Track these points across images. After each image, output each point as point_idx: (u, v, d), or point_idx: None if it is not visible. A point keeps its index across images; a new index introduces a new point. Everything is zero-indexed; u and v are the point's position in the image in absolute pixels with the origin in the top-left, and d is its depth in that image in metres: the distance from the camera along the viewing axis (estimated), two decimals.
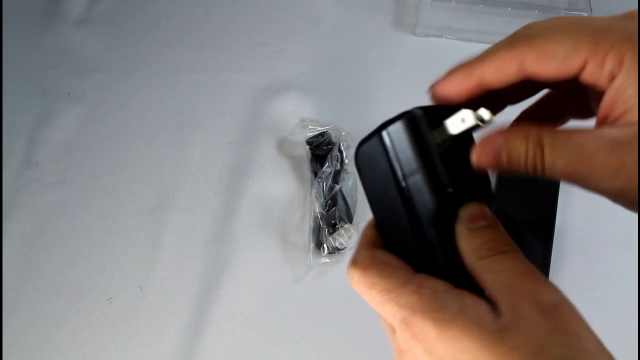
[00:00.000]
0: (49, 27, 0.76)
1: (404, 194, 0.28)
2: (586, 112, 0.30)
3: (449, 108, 0.28)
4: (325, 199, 0.56)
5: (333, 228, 0.56)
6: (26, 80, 0.71)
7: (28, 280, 0.57)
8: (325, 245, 0.56)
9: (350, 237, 0.56)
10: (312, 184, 0.59)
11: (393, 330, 0.27)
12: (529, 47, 0.26)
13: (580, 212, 0.60)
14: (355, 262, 0.29)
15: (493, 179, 0.62)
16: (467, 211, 0.28)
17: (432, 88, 0.29)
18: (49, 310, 0.55)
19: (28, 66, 0.72)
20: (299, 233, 0.59)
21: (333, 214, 0.56)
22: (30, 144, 0.66)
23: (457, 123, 0.27)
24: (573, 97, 0.30)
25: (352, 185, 0.59)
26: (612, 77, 0.25)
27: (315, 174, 0.59)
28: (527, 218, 0.57)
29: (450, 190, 0.28)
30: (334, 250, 0.57)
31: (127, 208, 0.61)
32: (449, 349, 0.24)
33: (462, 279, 0.27)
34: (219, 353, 0.53)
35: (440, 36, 0.74)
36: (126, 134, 0.67)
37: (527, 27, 0.27)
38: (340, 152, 0.60)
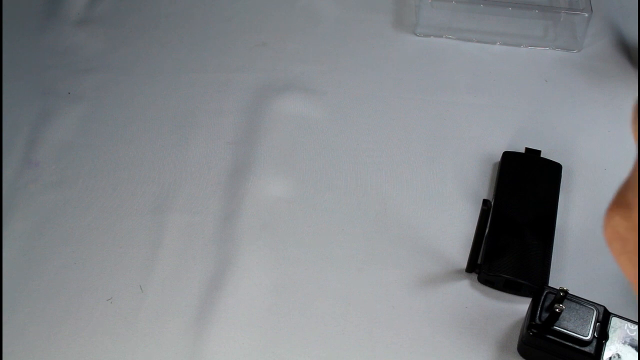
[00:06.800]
0: (48, 27, 0.76)
1: None
2: None
3: None
4: None
5: None
6: (26, 80, 0.71)
7: (28, 280, 0.57)
8: None
9: None
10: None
11: None
12: None
13: (580, 212, 0.60)
14: None
15: (492, 179, 0.62)
16: None
17: None
18: (49, 310, 0.55)
19: (28, 66, 0.72)
20: (298, 233, 0.59)
21: None
22: (30, 144, 0.66)
23: None
24: None
25: None
26: None
27: None
28: (527, 218, 0.57)
29: None
30: None
31: (127, 208, 0.61)
32: None
33: None
34: (219, 354, 0.53)
35: (441, 36, 0.74)
36: (126, 134, 0.67)
37: None
38: None
